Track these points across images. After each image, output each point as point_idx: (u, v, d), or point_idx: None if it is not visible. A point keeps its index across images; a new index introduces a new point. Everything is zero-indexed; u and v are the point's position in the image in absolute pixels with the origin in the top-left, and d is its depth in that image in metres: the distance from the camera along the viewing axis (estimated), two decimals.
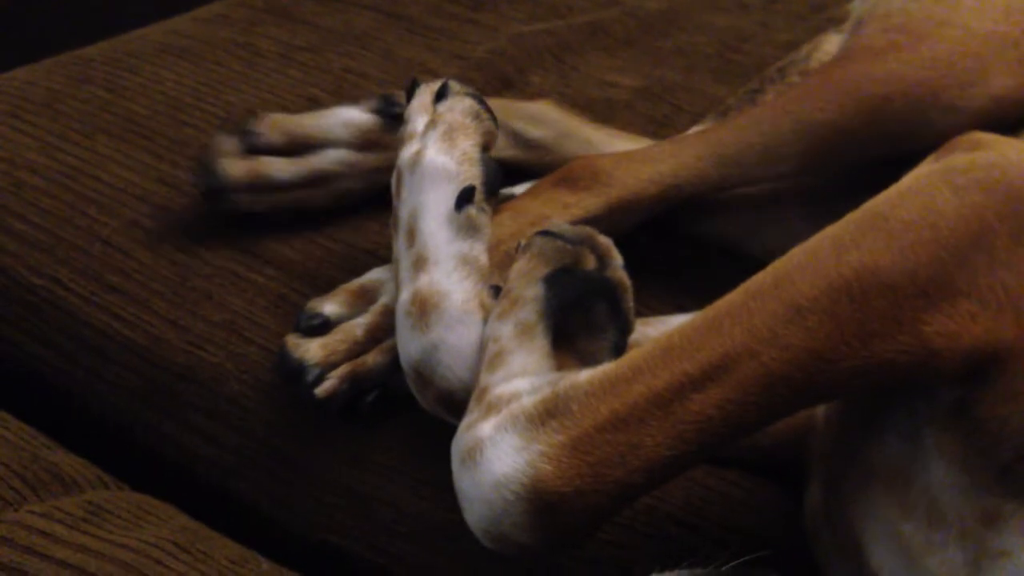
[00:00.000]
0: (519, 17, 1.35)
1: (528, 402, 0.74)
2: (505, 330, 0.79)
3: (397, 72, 1.25)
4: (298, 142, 1.05)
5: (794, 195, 1.04)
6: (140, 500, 0.89)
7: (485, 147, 0.90)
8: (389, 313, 0.90)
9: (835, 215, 0.73)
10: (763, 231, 1.04)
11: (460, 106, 0.91)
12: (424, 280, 0.85)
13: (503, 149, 1.05)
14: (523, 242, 0.84)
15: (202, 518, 0.89)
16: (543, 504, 0.71)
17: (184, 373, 0.99)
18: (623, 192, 0.98)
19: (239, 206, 1.05)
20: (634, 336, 0.84)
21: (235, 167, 1.03)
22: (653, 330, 0.90)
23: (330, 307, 0.93)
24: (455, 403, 0.82)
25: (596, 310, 0.82)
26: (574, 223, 0.88)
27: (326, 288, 0.95)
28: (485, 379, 0.78)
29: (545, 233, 0.83)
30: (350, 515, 0.92)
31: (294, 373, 0.90)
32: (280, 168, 1.04)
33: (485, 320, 0.83)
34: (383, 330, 0.91)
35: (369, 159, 1.06)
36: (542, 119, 1.10)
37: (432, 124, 0.91)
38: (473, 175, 0.88)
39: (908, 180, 0.74)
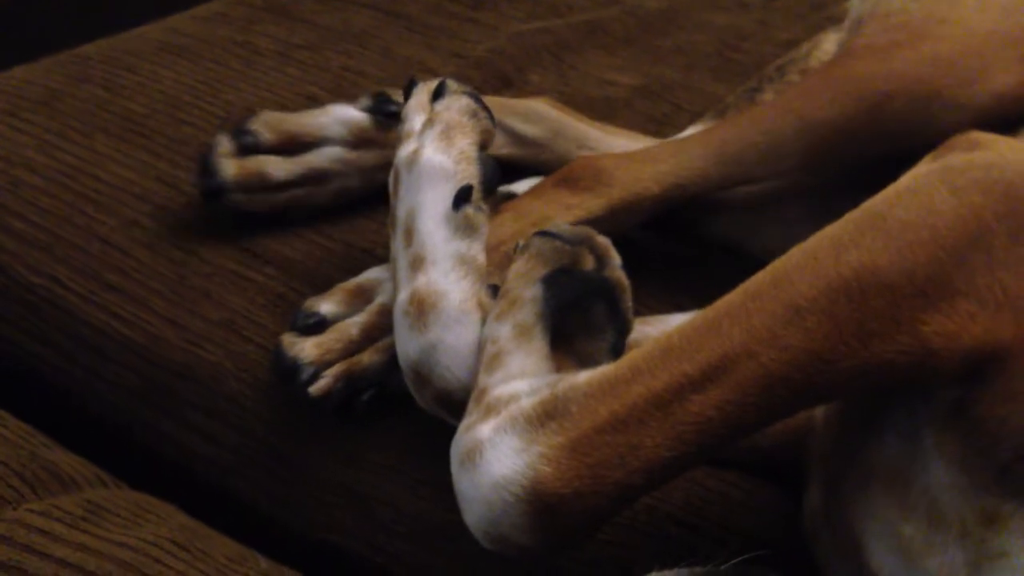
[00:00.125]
0: (518, 16, 1.35)
1: (527, 404, 0.74)
2: (503, 331, 0.79)
3: (396, 70, 1.25)
4: (294, 140, 1.05)
5: (795, 194, 1.04)
6: (139, 498, 0.89)
7: (483, 146, 0.90)
8: (385, 312, 0.90)
9: (836, 215, 0.73)
10: (763, 231, 1.04)
11: (457, 104, 0.91)
12: (422, 280, 0.85)
13: (498, 147, 1.05)
14: (521, 242, 0.84)
15: (201, 516, 0.89)
16: (542, 505, 0.71)
17: (183, 372, 0.99)
18: (625, 192, 0.97)
19: (238, 205, 1.05)
20: (633, 335, 0.84)
21: (232, 167, 1.04)
22: (652, 329, 0.90)
23: (327, 306, 0.93)
24: (453, 403, 0.82)
25: (594, 311, 0.82)
26: (576, 224, 0.88)
27: (324, 287, 0.95)
28: (484, 380, 0.78)
29: (543, 233, 0.83)
30: (349, 514, 0.92)
31: (289, 371, 0.90)
32: (277, 167, 1.04)
33: (483, 320, 0.83)
34: (379, 329, 0.91)
35: (365, 157, 1.06)
36: (536, 116, 1.10)
37: (429, 123, 0.90)
38: (471, 174, 0.88)
39: (906, 180, 0.74)
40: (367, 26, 1.33)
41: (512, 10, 1.36)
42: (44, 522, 0.82)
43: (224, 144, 1.04)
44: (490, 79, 1.23)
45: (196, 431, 0.98)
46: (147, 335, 1.01)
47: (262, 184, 1.04)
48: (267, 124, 1.05)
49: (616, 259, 0.83)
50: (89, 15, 1.76)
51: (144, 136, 1.16)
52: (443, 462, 0.76)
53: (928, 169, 0.74)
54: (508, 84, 1.24)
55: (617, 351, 0.81)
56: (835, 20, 1.20)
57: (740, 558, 0.71)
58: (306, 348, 0.90)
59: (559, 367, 0.79)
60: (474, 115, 0.91)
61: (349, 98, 1.10)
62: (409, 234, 0.87)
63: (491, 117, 0.92)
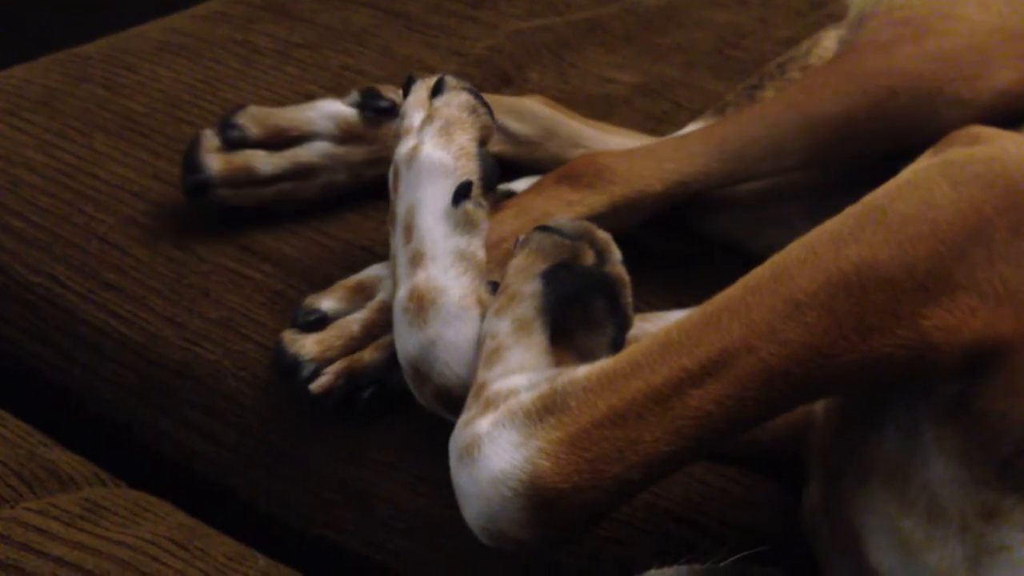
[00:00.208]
0: (518, 14, 1.35)
1: (526, 398, 0.73)
2: (503, 326, 0.79)
3: (395, 69, 1.25)
4: (280, 135, 1.05)
5: (796, 192, 1.04)
6: (137, 497, 0.89)
7: (482, 141, 0.90)
8: (386, 309, 0.90)
9: (837, 212, 0.73)
10: (764, 229, 1.04)
11: (456, 101, 0.90)
12: (421, 276, 0.85)
13: (490, 145, 1.05)
14: (521, 238, 0.83)
15: (199, 515, 0.89)
16: (541, 500, 0.71)
17: (181, 370, 0.99)
18: (627, 189, 0.97)
19: (224, 201, 1.04)
20: (633, 332, 0.83)
21: (218, 161, 1.03)
22: (651, 325, 0.90)
23: (327, 303, 0.93)
24: (452, 399, 0.82)
25: (595, 306, 0.81)
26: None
27: (323, 285, 0.95)
28: (482, 375, 0.78)
29: (543, 228, 0.83)
30: (347, 511, 0.92)
31: (289, 369, 0.90)
32: (262, 161, 1.04)
33: (483, 316, 0.83)
34: (380, 326, 0.91)
35: (353, 152, 1.06)
36: (529, 115, 1.10)
37: (429, 119, 0.90)
38: (470, 170, 0.88)
39: (907, 174, 0.73)
40: (366, 25, 1.33)
41: (511, 8, 1.36)
42: (42, 521, 0.82)
43: (210, 139, 1.04)
44: (490, 77, 1.23)
45: (195, 429, 0.98)
46: (146, 333, 1.01)
47: (249, 179, 1.04)
48: (254, 118, 1.05)
49: (617, 254, 0.83)
50: (89, 15, 1.76)
51: (143, 135, 1.16)
52: (443, 459, 0.76)
53: (928, 163, 0.74)
54: (508, 82, 1.24)
55: (617, 346, 0.81)
56: (835, 17, 1.20)
57: (739, 555, 0.71)
58: (307, 345, 0.90)
59: (559, 362, 0.79)
60: (473, 111, 0.90)
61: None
62: (409, 230, 0.87)
63: (491, 113, 0.91)
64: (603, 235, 0.83)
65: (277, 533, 0.94)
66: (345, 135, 1.06)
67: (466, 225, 0.86)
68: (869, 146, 0.97)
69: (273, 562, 0.85)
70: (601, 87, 1.24)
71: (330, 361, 0.90)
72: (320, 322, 0.91)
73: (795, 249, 0.72)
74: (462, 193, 0.86)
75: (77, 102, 1.20)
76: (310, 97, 1.19)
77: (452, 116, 0.89)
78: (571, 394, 0.72)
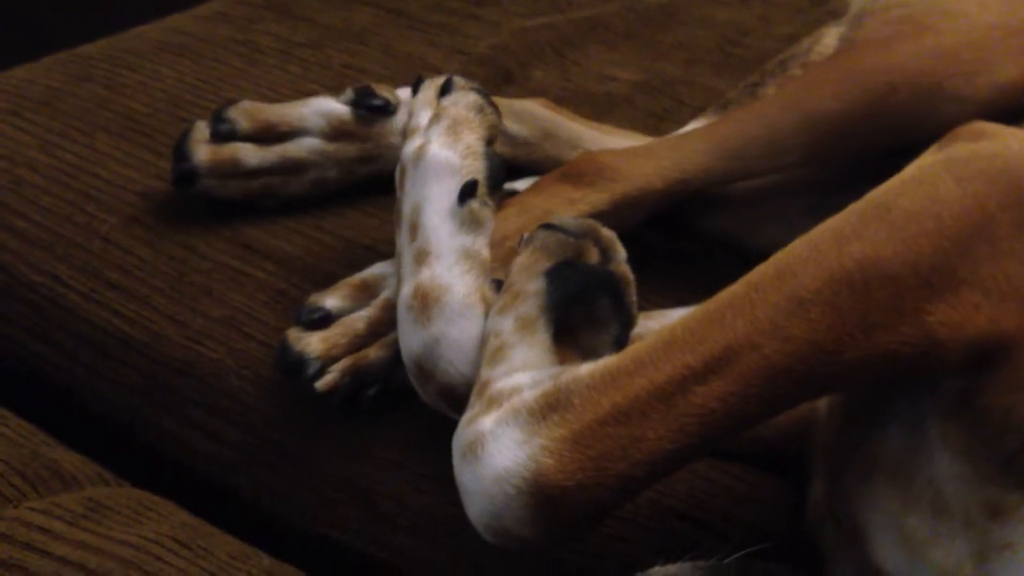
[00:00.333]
0: (520, 12, 1.35)
1: (529, 396, 0.73)
2: (506, 324, 0.79)
3: (397, 68, 1.25)
4: (271, 130, 1.06)
5: (797, 189, 1.04)
6: (140, 496, 0.89)
7: (489, 141, 0.90)
8: (391, 307, 0.90)
9: (838, 209, 0.73)
10: (765, 227, 1.04)
11: (464, 100, 0.91)
12: (426, 274, 0.85)
13: None
14: (525, 236, 0.83)
15: (202, 514, 0.89)
16: (545, 498, 0.71)
17: (184, 369, 0.99)
18: (628, 187, 0.97)
19: (209, 191, 1.05)
20: (636, 330, 0.83)
21: (205, 152, 1.04)
22: (655, 324, 0.90)
23: (332, 301, 0.93)
24: (456, 397, 0.82)
25: (599, 304, 0.81)
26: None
27: (325, 283, 0.95)
28: (486, 373, 0.78)
29: (547, 226, 0.83)
30: (351, 510, 0.92)
31: (295, 367, 0.90)
32: (249, 153, 1.05)
33: (487, 314, 0.83)
34: (385, 324, 0.91)
35: (344, 149, 1.07)
36: (526, 116, 1.10)
37: (436, 118, 0.90)
38: (476, 169, 0.88)
39: (911, 170, 0.73)
40: (368, 24, 1.33)
41: (514, 6, 1.36)
42: (45, 520, 0.82)
43: (201, 130, 1.06)
44: (492, 75, 1.23)
45: (197, 428, 0.98)
46: (148, 332, 1.01)
47: (234, 170, 1.05)
48: (245, 113, 1.06)
49: (621, 252, 0.83)
50: (90, 15, 1.76)
51: (145, 135, 1.16)
52: (447, 457, 0.76)
53: (932, 159, 0.74)
54: (510, 80, 1.24)
55: (621, 344, 0.81)
56: (836, 14, 1.20)
57: (743, 552, 0.71)
58: (312, 343, 0.90)
59: (563, 360, 0.79)
60: (481, 111, 0.91)
61: None
62: (414, 228, 0.87)
63: (497, 113, 0.91)
64: (607, 233, 0.84)
65: (281, 532, 0.94)
66: (336, 132, 1.06)
67: (471, 224, 0.86)
68: (869, 143, 0.97)
69: (277, 561, 0.84)
70: (603, 85, 1.24)
71: (335, 359, 0.90)
72: (324, 320, 0.91)
73: (799, 246, 0.72)
74: (468, 192, 0.87)
75: (79, 102, 1.20)
76: (311, 96, 1.19)
77: (459, 115, 0.90)
78: (575, 392, 0.72)
